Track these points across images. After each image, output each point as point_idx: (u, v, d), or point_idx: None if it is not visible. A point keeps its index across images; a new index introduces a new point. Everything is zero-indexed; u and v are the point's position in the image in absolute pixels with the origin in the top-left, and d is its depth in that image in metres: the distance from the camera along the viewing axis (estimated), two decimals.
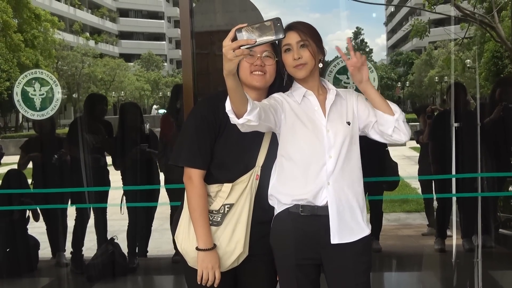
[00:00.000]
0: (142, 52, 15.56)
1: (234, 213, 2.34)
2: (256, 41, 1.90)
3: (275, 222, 2.43)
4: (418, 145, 5.41)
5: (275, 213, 2.43)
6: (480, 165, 4.14)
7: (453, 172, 4.16)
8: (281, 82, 2.45)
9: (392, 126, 2.37)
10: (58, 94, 4.14)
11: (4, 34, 14.23)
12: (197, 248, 2.29)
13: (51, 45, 13.77)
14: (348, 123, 2.40)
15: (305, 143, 2.35)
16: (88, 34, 13.67)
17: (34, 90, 4.04)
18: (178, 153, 2.35)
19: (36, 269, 5.06)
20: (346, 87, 3.64)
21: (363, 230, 2.41)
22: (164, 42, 16.77)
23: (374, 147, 4.58)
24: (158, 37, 16.89)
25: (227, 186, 2.34)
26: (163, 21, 16.92)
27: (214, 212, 2.34)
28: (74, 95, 13.85)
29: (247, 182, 2.35)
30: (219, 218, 2.34)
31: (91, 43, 13.15)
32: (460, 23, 7.18)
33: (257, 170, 2.39)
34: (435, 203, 5.48)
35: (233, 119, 2.15)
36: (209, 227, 2.31)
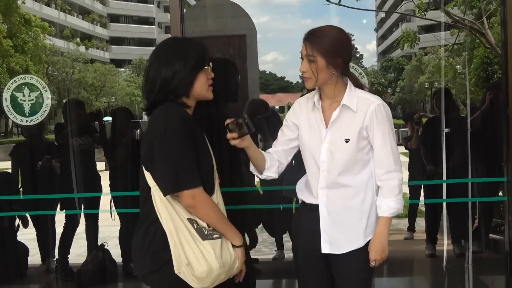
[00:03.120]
0: (132, 58, 15.55)
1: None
2: (238, 135, 2.33)
3: (294, 215, 2.68)
4: (407, 151, 5.44)
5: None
6: (471, 170, 4.16)
7: (444, 177, 4.18)
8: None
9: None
10: (48, 100, 4.12)
11: None
12: (235, 246, 2.32)
13: (42, 50, 13.70)
14: (346, 140, 2.36)
15: (304, 152, 2.47)
16: (78, 39, 13.64)
17: (24, 96, 4.01)
18: (175, 179, 2.21)
19: (26, 276, 5.01)
20: None
21: (357, 241, 2.43)
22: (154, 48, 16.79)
23: None
24: (148, 42, 16.87)
25: (215, 197, 2.36)
26: (153, 26, 16.92)
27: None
28: (64, 101, 13.81)
29: (218, 187, 2.41)
30: None
31: (82, 48, 13.13)
32: (450, 29, 7.22)
33: (216, 172, 2.44)
34: (423, 208, 5.53)
35: (257, 175, 2.57)
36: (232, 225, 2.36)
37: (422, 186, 5.00)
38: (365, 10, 7.94)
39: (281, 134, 2.57)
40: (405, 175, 5.37)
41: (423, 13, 7.25)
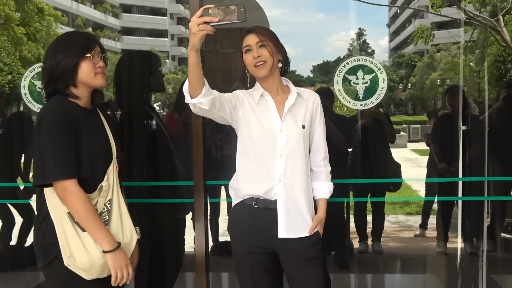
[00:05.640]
0: (144, 49, 15.52)
1: (115, 206, 2.40)
2: (219, 20, 2.15)
3: (232, 213, 2.67)
4: (420, 148, 5.42)
5: (233, 204, 2.64)
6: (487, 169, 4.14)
7: (460, 175, 4.17)
8: None
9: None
10: None
11: (6, 27, 14.21)
12: (104, 251, 2.27)
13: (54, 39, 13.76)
14: (303, 127, 2.55)
15: (258, 141, 2.52)
16: (90, 29, 13.64)
17: (42, 84, 4.02)
18: (42, 170, 2.23)
19: None
20: (355, 88, 3.64)
21: (308, 224, 2.58)
22: (166, 39, 16.73)
23: (378, 148, 4.62)
24: (160, 33, 16.83)
25: (105, 184, 2.36)
26: (165, 17, 16.87)
27: (102, 214, 2.35)
28: None
29: (113, 174, 2.41)
30: (107, 217, 2.37)
31: None
32: (463, 27, 7.17)
33: (115, 161, 2.45)
34: (434, 206, 5.51)
35: (187, 98, 2.36)
36: (106, 227, 2.32)
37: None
38: (379, 5, 7.89)
39: (228, 94, 2.57)
40: (416, 171, 5.37)
41: (437, 9, 7.20)
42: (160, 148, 3.78)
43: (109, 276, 2.34)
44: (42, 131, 2.24)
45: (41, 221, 2.34)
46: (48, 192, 2.31)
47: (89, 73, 2.39)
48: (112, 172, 2.41)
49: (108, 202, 2.39)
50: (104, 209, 2.36)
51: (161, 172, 3.75)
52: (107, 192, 2.37)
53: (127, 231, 2.43)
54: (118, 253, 2.30)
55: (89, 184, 2.31)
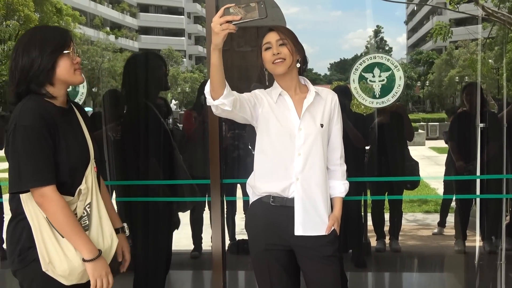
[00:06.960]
0: (161, 48, 15.60)
1: (94, 210, 2.31)
2: (240, 18, 2.16)
3: (249, 210, 2.68)
4: (438, 146, 5.39)
5: (250, 202, 2.65)
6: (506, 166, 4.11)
7: (478, 173, 4.14)
8: None
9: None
10: (84, 88, 4.17)
11: (26, 27, 14.39)
12: (84, 260, 2.19)
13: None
14: (321, 125, 2.57)
15: (277, 139, 2.54)
16: (108, 28, 13.72)
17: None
18: (18, 177, 2.13)
19: None
20: (372, 85, 3.63)
21: (325, 223, 2.60)
22: (183, 38, 16.78)
23: (395, 146, 4.60)
24: (177, 32, 16.89)
25: (84, 187, 2.27)
26: (182, 16, 16.92)
27: (82, 218, 2.27)
28: (93, 89, 13.90)
29: (91, 176, 2.31)
30: (87, 221, 2.29)
31: (111, 37, 13.19)
32: (482, 23, 7.10)
33: (93, 162, 2.35)
34: (452, 204, 5.47)
35: (209, 100, 2.37)
36: (86, 234, 2.23)
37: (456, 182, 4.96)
38: (397, 2, 7.85)
39: (247, 94, 2.58)
40: (435, 169, 5.33)
41: (456, 6, 7.14)
42: (161, 145, 3.82)
43: (89, 281, 2.27)
44: (18, 135, 2.12)
45: (16, 223, 2.26)
46: (24, 196, 2.22)
47: (68, 71, 2.29)
48: (90, 174, 2.32)
49: (88, 205, 2.30)
50: (84, 213, 2.28)
51: (160, 169, 3.78)
52: (86, 196, 2.29)
53: (107, 236, 2.35)
54: (99, 262, 2.22)
55: (68, 189, 2.22)
